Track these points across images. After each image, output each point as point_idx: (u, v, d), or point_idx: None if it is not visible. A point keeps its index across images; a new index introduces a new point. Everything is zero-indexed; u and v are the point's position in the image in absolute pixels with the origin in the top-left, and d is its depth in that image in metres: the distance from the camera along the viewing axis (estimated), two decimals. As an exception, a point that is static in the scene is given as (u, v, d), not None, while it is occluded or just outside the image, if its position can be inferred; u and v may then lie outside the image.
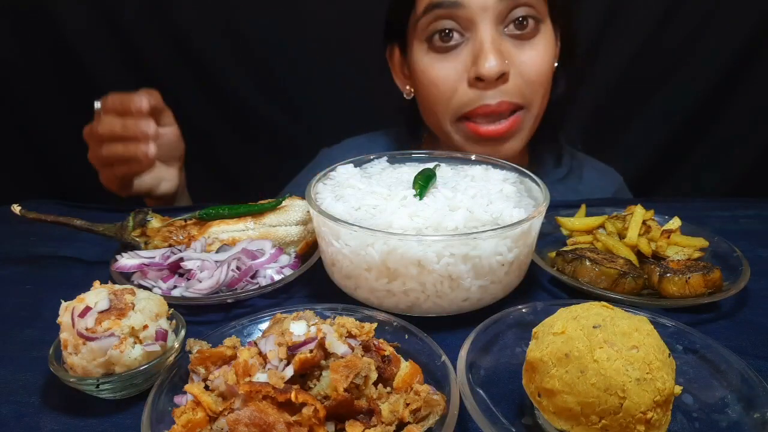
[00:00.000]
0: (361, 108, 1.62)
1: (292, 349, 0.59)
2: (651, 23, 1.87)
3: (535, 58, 1.11)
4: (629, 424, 0.53)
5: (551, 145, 1.40)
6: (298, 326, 0.63)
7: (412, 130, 1.40)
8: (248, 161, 2.02)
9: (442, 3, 1.07)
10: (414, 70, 1.19)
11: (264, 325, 0.72)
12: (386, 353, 0.64)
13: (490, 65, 1.06)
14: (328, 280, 0.88)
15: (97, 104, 1.11)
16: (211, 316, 0.84)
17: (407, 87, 1.29)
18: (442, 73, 1.13)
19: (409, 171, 0.95)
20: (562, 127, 1.40)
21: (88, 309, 0.64)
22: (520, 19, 1.08)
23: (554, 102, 1.26)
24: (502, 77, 1.09)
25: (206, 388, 0.61)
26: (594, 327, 0.57)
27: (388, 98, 1.39)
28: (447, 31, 1.10)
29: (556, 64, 1.23)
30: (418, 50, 1.16)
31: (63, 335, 0.65)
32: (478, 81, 1.09)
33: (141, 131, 1.05)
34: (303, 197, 0.99)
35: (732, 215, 1.19)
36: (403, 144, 1.44)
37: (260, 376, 0.58)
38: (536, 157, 1.41)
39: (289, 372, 0.58)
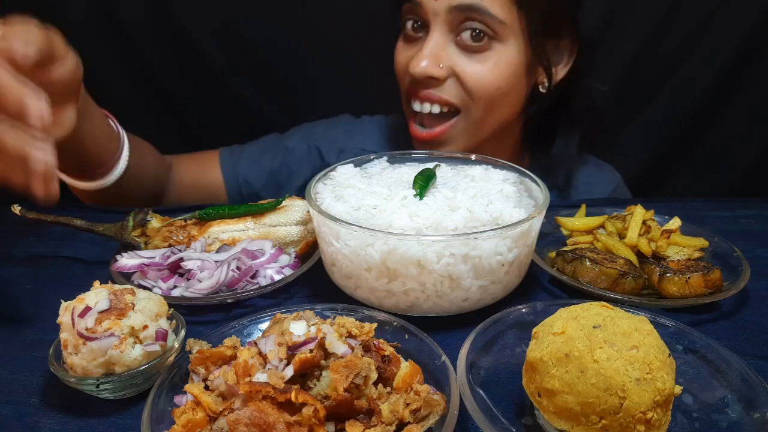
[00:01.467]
0: (361, 108, 1.62)
1: (292, 349, 0.59)
2: (651, 24, 1.87)
3: (478, 70, 1.15)
4: (629, 424, 0.53)
5: (545, 150, 1.41)
6: (298, 326, 0.63)
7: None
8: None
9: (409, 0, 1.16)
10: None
11: (264, 325, 0.72)
12: (386, 353, 0.64)
13: (419, 65, 1.14)
14: (328, 280, 0.88)
15: None
16: (211, 316, 0.84)
17: None
18: (400, 57, 1.24)
19: (409, 171, 0.95)
20: (558, 137, 1.40)
21: (88, 309, 0.64)
22: (476, 31, 1.12)
23: (537, 113, 1.29)
24: (433, 79, 1.16)
25: (206, 388, 0.61)
26: (594, 327, 0.57)
27: (390, 91, 1.40)
28: (417, 22, 1.18)
29: (546, 83, 1.23)
30: (401, 36, 1.26)
31: (63, 335, 0.65)
32: (411, 75, 1.17)
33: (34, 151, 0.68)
34: (303, 197, 0.99)
35: (732, 215, 1.20)
36: (405, 132, 1.47)
37: (260, 376, 0.58)
38: (534, 162, 1.42)
39: (289, 372, 0.58)
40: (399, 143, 1.44)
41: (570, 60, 1.26)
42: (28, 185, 0.68)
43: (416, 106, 1.21)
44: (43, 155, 0.67)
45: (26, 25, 0.79)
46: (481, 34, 1.12)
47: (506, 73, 1.16)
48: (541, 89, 1.25)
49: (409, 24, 1.20)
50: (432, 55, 1.13)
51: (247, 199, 1.39)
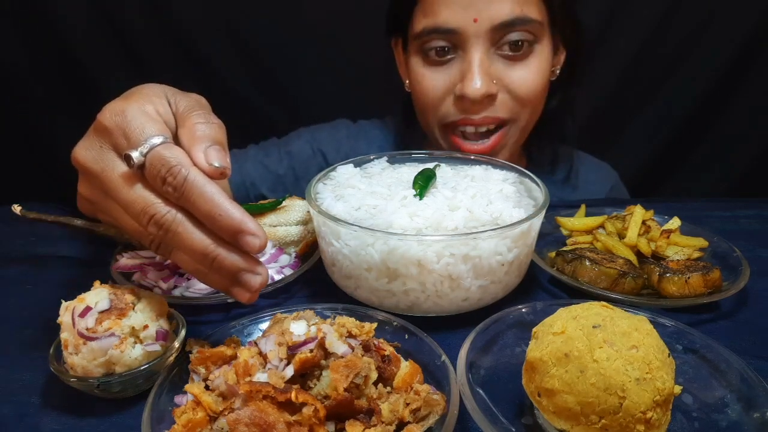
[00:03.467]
0: (361, 108, 1.62)
1: (293, 349, 0.59)
2: (651, 23, 1.88)
3: (526, 77, 1.12)
4: (629, 424, 0.53)
5: (548, 148, 1.41)
6: (299, 326, 0.63)
7: (408, 121, 1.41)
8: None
9: (438, 29, 1.09)
10: (410, 75, 1.22)
11: (264, 325, 0.72)
12: (386, 353, 0.64)
13: (474, 87, 1.08)
14: (328, 280, 0.88)
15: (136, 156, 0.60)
16: (211, 315, 0.84)
17: (407, 81, 1.30)
18: (432, 84, 1.16)
19: (409, 171, 0.95)
20: (561, 134, 1.41)
21: (88, 309, 0.64)
22: (517, 42, 1.10)
23: (550, 111, 1.28)
24: (488, 98, 1.11)
25: (206, 387, 0.61)
26: (594, 327, 0.57)
27: (390, 92, 1.39)
28: (442, 47, 1.12)
29: (557, 71, 1.24)
30: (414, 59, 1.19)
31: (63, 335, 0.65)
32: (463, 100, 1.11)
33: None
34: (303, 197, 0.99)
35: (732, 215, 1.20)
36: (403, 135, 1.46)
37: (260, 376, 0.58)
38: (533, 159, 1.42)
39: (290, 372, 0.58)
40: (400, 147, 1.44)
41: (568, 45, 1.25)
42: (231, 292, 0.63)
43: (468, 129, 1.16)
44: (261, 280, 0.62)
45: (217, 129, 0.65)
46: (521, 43, 1.09)
47: (546, 71, 1.16)
48: (551, 78, 1.24)
49: (432, 51, 1.13)
50: (484, 73, 1.08)
51: (253, 200, 1.39)
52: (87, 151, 0.64)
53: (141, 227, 0.61)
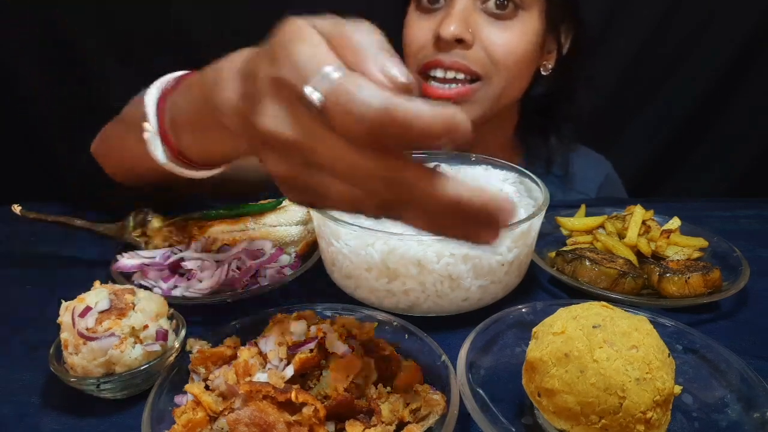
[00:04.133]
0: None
1: (293, 349, 0.59)
2: (651, 23, 1.87)
3: (504, 38, 1.14)
4: (629, 424, 0.53)
5: (543, 144, 1.42)
6: (299, 326, 0.63)
7: None
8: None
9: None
10: (404, 28, 1.25)
11: (264, 325, 0.72)
12: (386, 353, 0.64)
13: (449, 29, 1.10)
14: (328, 280, 0.88)
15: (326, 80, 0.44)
16: (211, 315, 0.84)
17: None
18: (418, 28, 1.19)
19: (409, 171, 0.95)
20: (557, 126, 1.41)
21: (88, 309, 0.64)
22: (502, 3, 1.12)
23: (538, 98, 1.30)
24: (462, 44, 1.12)
25: (206, 387, 0.61)
26: (594, 327, 0.57)
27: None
28: None
29: (550, 66, 1.26)
30: (410, 9, 1.23)
31: (63, 335, 0.65)
32: (438, 41, 1.14)
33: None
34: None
35: (732, 215, 1.20)
36: None
37: (260, 376, 0.58)
38: (528, 149, 1.43)
39: (290, 372, 0.58)
40: None
41: (567, 41, 1.27)
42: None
43: (437, 73, 1.17)
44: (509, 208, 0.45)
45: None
46: (506, 2, 1.12)
47: (530, 42, 1.17)
48: (543, 72, 1.27)
49: None
50: (462, 18, 1.11)
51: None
52: (275, 119, 0.48)
53: (364, 191, 0.46)
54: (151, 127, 0.76)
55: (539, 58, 1.23)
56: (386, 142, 0.42)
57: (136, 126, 0.78)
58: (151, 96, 0.78)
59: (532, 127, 1.40)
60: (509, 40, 1.14)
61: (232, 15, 1.85)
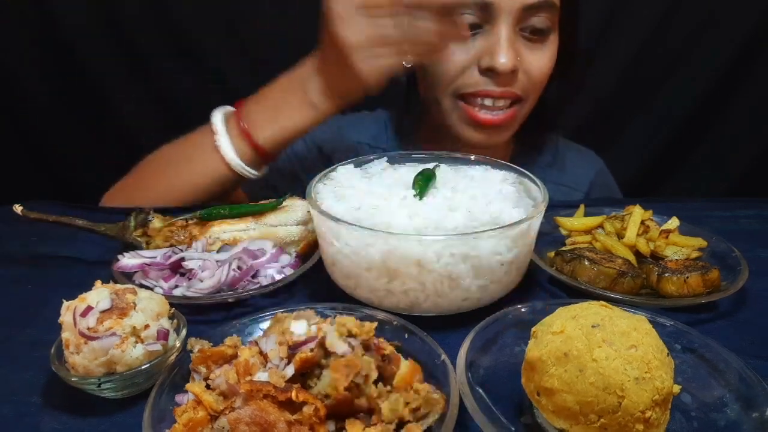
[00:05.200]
0: (361, 107, 1.62)
1: (293, 348, 0.60)
2: (651, 23, 1.88)
3: (541, 60, 1.18)
4: (628, 423, 0.53)
5: (536, 138, 1.44)
6: (299, 325, 0.63)
7: (407, 108, 1.44)
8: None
9: (475, 2, 1.13)
10: None
11: (265, 325, 0.72)
12: (386, 352, 0.64)
13: (505, 60, 1.12)
14: (328, 279, 0.89)
15: None
16: (212, 315, 0.84)
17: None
18: (456, 52, 1.18)
19: (409, 171, 0.95)
20: (553, 125, 1.43)
21: (89, 308, 0.65)
22: (538, 28, 1.15)
23: (543, 101, 1.31)
24: (512, 73, 1.16)
25: (207, 387, 0.61)
26: (593, 326, 0.58)
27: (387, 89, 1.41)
28: (470, 22, 1.15)
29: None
30: None
31: (64, 335, 0.65)
32: (489, 71, 1.16)
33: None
34: (303, 197, 0.99)
35: (732, 215, 1.20)
36: (396, 124, 1.49)
37: (261, 375, 0.58)
38: (520, 145, 1.44)
39: (290, 371, 0.58)
40: (393, 137, 1.46)
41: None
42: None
43: (487, 101, 1.19)
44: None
45: None
46: (543, 28, 1.15)
47: (554, 59, 1.21)
48: None
49: None
50: (511, 49, 1.13)
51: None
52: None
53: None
54: (223, 135, 1.08)
55: None
56: None
57: (199, 148, 1.11)
58: (217, 117, 1.10)
59: (525, 124, 1.42)
60: (545, 63, 1.19)
61: (232, 14, 1.85)
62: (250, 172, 1.11)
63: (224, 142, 1.08)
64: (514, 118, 1.23)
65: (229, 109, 1.14)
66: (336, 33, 0.94)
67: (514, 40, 1.14)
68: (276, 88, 1.11)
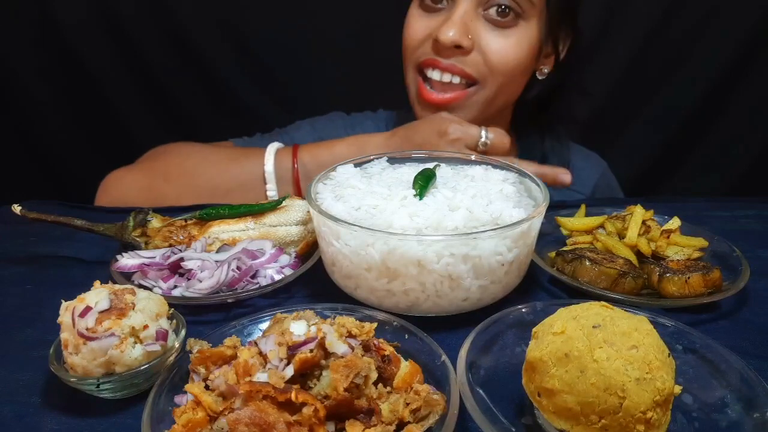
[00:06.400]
0: (361, 106, 1.62)
1: (293, 349, 0.59)
2: (651, 23, 1.88)
3: (502, 45, 1.17)
4: (629, 424, 0.53)
5: (539, 143, 1.44)
6: (299, 326, 0.63)
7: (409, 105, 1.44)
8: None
9: None
10: (405, 23, 1.27)
11: (264, 325, 0.72)
12: (386, 353, 0.64)
13: (447, 33, 1.13)
14: (328, 280, 0.88)
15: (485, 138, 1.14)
16: (211, 315, 0.84)
17: None
18: (418, 26, 1.22)
19: (409, 171, 0.95)
20: (551, 126, 1.43)
21: (88, 309, 0.64)
22: (503, 7, 1.15)
23: (536, 97, 1.33)
24: (459, 49, 1.16)
25: (206, 387, 0.61)
26: (594, 327, 0.57)
27: (388, 90, 1.41)
28: None
29: (546, 70, 1.29)
30: (413, 5, 1.25)
31: (63, 335, 0.65)
32: (436, 43, 1.17)
33: None
34: (303, 197, 0.99)
35: (732, 215, 1.20)
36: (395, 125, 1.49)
37: (260, 376, 0.58)
38: (523, 146, 1.44)
39: (290, 372, 0.58)
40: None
41: (565, 48, 1.29)
42: None
43: (434, 74, 1.20)
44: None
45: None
46: (507, 10, 1.14)
47: (526, 51, 1.19)
48: (538, 76, 1.29)
49: None
50: (462, 24, 1.13)
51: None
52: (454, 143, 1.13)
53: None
54: (273, 187, 1.19)
55: (535, 64, 1.26)
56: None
57: (245, 182, 1.20)
58: (269, 164, 1.20)
59: (526, 126, 1.42)
60: (507, 48, 1.17)
61: (232, 14, 1.85)
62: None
63: (271, 189, 1.20)
64: (462, 100, 1.21)
65: (280, 146, 1.23)
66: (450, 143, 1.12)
67: (471, 18, 1.15)
68: (341, 144, 1.21)
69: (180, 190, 1.20)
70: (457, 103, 1.22)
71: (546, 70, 1.29)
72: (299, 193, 1.18)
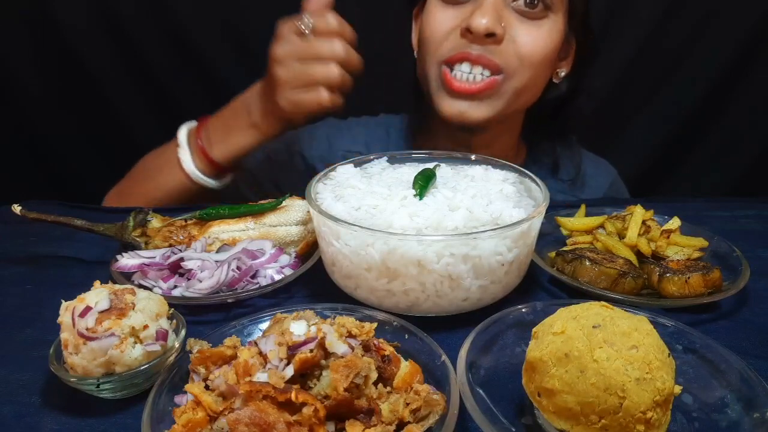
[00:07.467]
0: (361, 106, 1.62)
1: (293, 349, 0.59)
2: (651, 23, 1.87)
3: (533, 36, 1.15)
4: (629, 424, 0.53)
5: (549, 146, 1.42)
6: (298, 326, 0.63)
7: (417, 107, 1.41)
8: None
9: None
10: (423, 17, 1.24)
11: (264, 325, 0.72)
12: (386, 353, 0.64)
13: (481, 21, 1.10)
14: (328, 280, 0.88)
15: (308, 21, 1.09)
16: (211, 315, 0.84)
17: (417, 49, 1.32)
18: (443, 19, 1.18)
19: (409, 171, 0.95)
20: (562, 132, 1.42)
21: (88, 309, 0.64)
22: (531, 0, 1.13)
23: (551, 102, 1.31)
24: (492, 37, 1.12)
25: (206, 387, 0.61)
26: (594, 327, 0.57)
27: (388, 91, 1.40)
28: None
29: (564, 71, 1.28)
30: (432, 1, 1.22)
31: (63, 335, 0.65)
32: (468, 33, 1.13)
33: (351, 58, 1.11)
34: (303, 197, 0.99)
35: (732, 215, 1.20)
36: (398, 129, 1.48)
37: (260, 376, 0.58)
38: (533, 154, 1.43)
39: (290, 372, 0.58)
40: (389, 142, 1.44)
41: (582, 49, 1.28)
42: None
43: (463, 67, 1.15)
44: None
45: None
46: (537, 1, 1.13)
47: (556, 43, 1.18)
48: (554, 79, 1.28)
49: None
50: (494, 12, 1.11)
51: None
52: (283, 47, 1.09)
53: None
54: (184, 149, 1.21)
55: (556, 63, 1.24)
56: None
57: (167, 161, 1.24)
58: (182, 132, 1.24)
59: (537, 132, 1.40)
60: (538, 38, 1.15)
61: (231, 14, 1.85)
62: (209, 182, 1.23)
63: (185, 156, 1.21)
64: (491, 89, 1.16)
65: (194, 124, 1.26)
66: (272, 72, 1.09)
67: (501, 8, 1.13)
68: (229, 109, 1.23)
69: (139, 202, 1.23)
70: (489, 92, 1.16)
71: (562, 74, 1.27)
72: (205, 157, 1.21)
